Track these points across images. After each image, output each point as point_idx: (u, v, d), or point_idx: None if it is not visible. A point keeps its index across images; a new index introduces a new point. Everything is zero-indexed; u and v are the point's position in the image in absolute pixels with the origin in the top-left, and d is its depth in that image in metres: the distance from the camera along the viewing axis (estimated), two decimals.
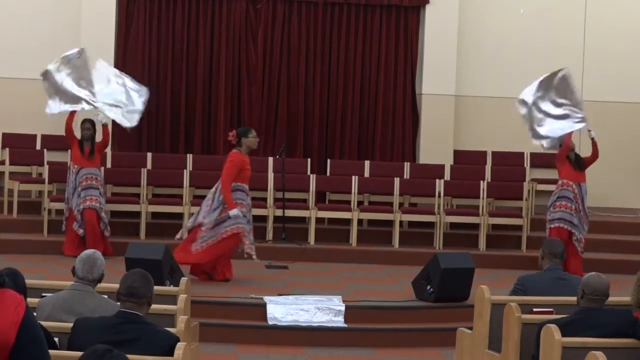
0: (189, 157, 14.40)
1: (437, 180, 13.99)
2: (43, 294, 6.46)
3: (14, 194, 13.64)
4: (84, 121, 12.73)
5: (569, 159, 12.50)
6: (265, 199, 13.73)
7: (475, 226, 13.70)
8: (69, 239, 12.59)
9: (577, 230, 12.37)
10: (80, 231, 12.43)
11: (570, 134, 12.59)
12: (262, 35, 14.99)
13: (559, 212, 12.37)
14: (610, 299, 6.58)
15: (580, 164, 12.55)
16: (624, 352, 6.13)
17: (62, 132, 14.03)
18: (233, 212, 11.02)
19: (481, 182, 14.05)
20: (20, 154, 14.30)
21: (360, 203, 14.12)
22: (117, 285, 5.62)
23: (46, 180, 13.53)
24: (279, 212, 13.45)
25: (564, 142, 12.50)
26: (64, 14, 14.75)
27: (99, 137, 12.71)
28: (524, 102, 12.69)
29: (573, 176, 12.47)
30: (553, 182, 13.17)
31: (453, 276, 10.40)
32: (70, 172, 12.63)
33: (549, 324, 6.29)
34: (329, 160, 14.80)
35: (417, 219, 13.79)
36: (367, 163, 14.62)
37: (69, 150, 12.91)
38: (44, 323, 5.51)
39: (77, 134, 12.72)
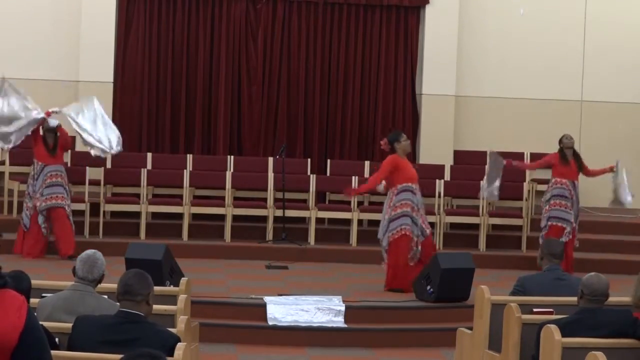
0: (189, 157, 14.40)
1: (437, 180, 13.99)
2: (43, 294, 6.46)
3: (14, 194, 13.64)
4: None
5: (564, 158, 12.52)
6: (265, 199, 13.74)
7: (475, 226, 13.70)
8: (34, 240, 12.38)
9: (568, 225, 12.40)
10: (45, 231, 12.34)
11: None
12: (262, 35, 15.00)
13: (554, 211, 12.42)
14: (610, 299, 6.57)
15: (580, 164, 12.59)
16: (624, 352, 6.13)
17: None
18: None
19: (481, 182, 14.03)
20: (20, 154, 14.27)
21: (360, 203, 14.12)
22: (117, 286, 5.63)
23: None
24: (279, 212, 13.45)
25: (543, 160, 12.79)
26: (64, 14, 14.75)
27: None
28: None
29: (569, 175, 12.51)
30: None
31: (453, 276, 10.40)
32: (33, 169, 12.47)
33: (549, 324, 6.29)
34: (329, 160, 14.81)
35: None
36: (367, 163, 14.61)
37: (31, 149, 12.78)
38: (44, 323, 5.51)
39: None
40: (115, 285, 6.89)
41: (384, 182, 11.20)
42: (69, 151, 13.52)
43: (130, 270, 5.66)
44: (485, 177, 12.92)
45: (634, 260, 13.11)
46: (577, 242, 12.67)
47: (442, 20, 15.12)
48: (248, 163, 14.53)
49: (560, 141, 12.65)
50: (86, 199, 13.24)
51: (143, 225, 13.31)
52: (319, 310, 10.14)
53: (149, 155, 14.36)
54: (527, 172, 14.66)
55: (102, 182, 13.59)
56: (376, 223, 13.69)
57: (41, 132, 12.45)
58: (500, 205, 14.50)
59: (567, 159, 12.55)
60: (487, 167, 13.05)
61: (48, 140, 12.41)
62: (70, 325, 5.50)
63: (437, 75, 15.15)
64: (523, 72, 15.49)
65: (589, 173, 12.74)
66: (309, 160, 14.71)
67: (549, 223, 12.46)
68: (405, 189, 11.10)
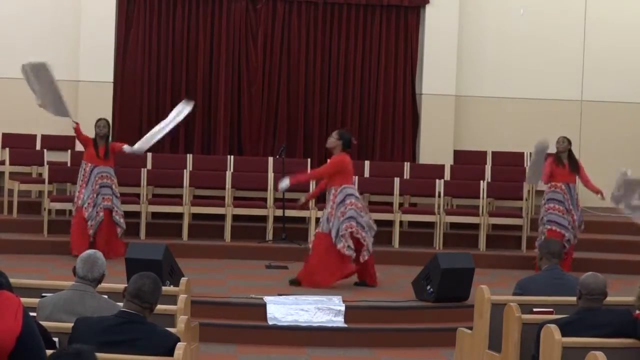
0: (189, 157, 14.39)
1: (437, 180, 13.98)
2: (43, 294, 6.45)
3: (14, 194, 13.64)
4: (100, 119, 12.65)
5: (559, 161, 12.51)
6: (265, 199, 13.74)
7: (475, 226, 13.70)
8: (79, 237, 12.40)
9: (566, 232, 12.38)
10: (91, 231, 12.33)
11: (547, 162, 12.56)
12: (262, 35, 15.00)
13: (550, 215, 12.42)
14: (610, 299, 6.58)
15: (574, 166, 12.56)
16: (624, 352, 6.13)
17: (62, 133, 14.09)
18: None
19: (481, 182, 14.05)
20: (20, 154, 14.29)
21: None
22: (117, 286, 5.62)
23: (46, 180, 13.52)
24: (279, 212, 13.45)
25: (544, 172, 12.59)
26: (63, 14, 14.75)
27: None
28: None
29: (563, 178, 12.50)
30: None
31: (453, 276, 10.40)
32: (81, 168, 12.54)
33: (549, 324, 6.29)
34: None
35: (417, 219, 13.78)
36: (367, 163, 14.61)
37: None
38: (44, 323, 5.51)
39: (88, 133, 12.58)
40: (115, 285, 6.90)
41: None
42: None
43: (148, 274, 5.59)
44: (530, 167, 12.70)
45: (634, 260, 13.11)
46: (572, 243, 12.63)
47: (442, 20, 15.12)
48: (248, 163, 14.53)
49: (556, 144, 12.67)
50: None
51: (143, 225, 13.30)
52: (319, 310, 10.14)
53: (149, 155, 14.34)
54: (527, 173, 14.68)
55: None
56: (377, 223, 13.70)
57: (91, 136, 12.45)
58: (500, 205, 14.50)
59: (562, 162, 12.54)
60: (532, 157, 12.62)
61: (99, 144, 12.42)
62: (70, 325, 5.50)
63: (437, 75, 15.15)
64: (523, 72, 15.49)
65: (583, 181, 12.67)
66: (309, 160, 14.70)
67: (547, 227, 12.43)
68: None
